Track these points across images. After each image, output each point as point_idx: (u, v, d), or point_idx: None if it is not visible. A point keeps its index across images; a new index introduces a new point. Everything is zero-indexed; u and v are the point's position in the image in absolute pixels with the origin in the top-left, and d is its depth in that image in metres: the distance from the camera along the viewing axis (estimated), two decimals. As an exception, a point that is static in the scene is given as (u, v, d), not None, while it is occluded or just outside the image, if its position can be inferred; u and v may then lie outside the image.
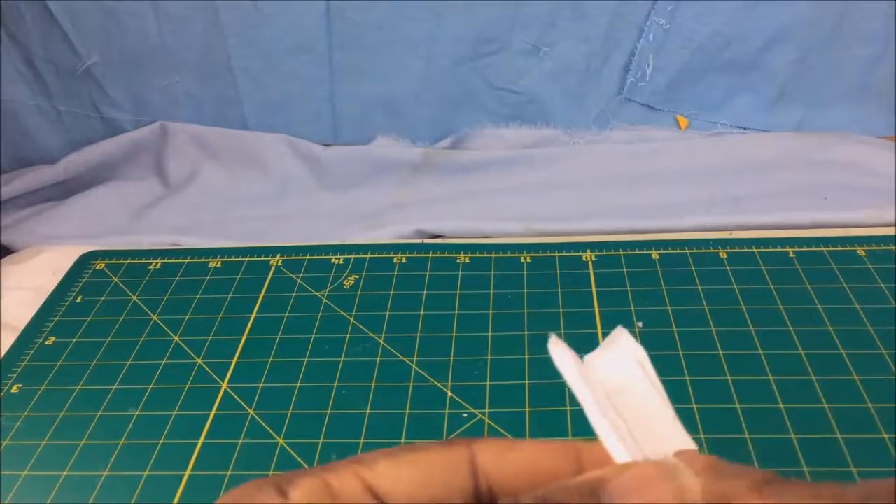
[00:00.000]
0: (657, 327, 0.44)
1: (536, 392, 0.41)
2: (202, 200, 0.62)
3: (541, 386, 0.41)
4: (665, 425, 0.17)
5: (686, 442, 0.17)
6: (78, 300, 0.51)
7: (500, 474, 0.17)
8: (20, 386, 0.44)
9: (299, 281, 0.50)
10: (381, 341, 0.45)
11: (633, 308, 0.45)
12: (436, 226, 0.55)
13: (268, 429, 0.40)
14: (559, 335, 0.46)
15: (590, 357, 0.19)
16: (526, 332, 0.45)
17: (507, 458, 0.17)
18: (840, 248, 0.49)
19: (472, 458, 0.17)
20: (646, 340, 0.43)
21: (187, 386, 0.43)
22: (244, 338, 0.46)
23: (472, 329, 0.45)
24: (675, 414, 0.17)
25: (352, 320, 0.47)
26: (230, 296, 0.50)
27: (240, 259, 0.53)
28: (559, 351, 0.17)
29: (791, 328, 0.43)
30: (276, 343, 0.46)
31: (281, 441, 0.39)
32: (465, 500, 0.17)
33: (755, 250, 0.49)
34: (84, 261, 0.54)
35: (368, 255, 0.52)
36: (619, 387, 0.18)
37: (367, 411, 0.41)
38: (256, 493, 0.16)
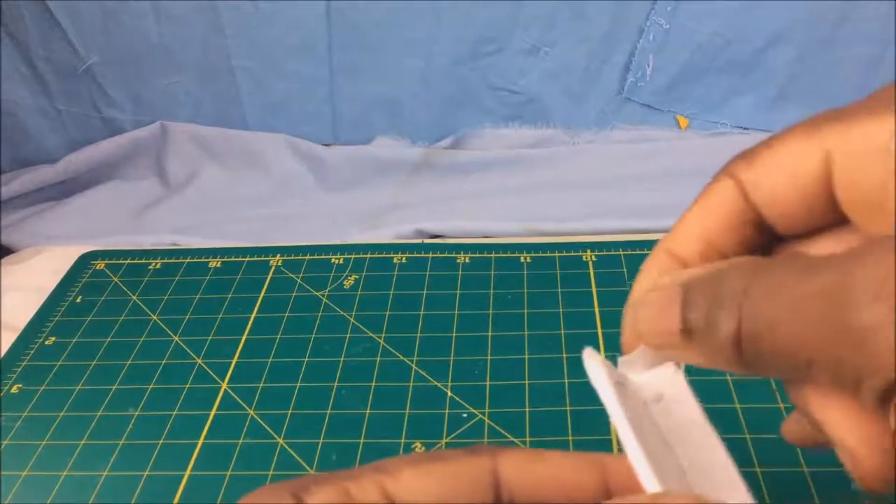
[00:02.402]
0: (657, 327, 0.44)
1: (536, 392, 0.41)
2: (202, 200, 0.62)
3: (541, 386, 0.41)
4: (702, 436, 0.17)
5: (720, 454, 0.16)
6: (78, 300, 0.51)
7: (522, 487, 0.17)
8: (20, 386, 0.44)
9: (299, 281, 0.50)
10: (381, 341, 0.45)
11: (633, 308, 0.45)
12: (436, 226, 0.55)
13: (268, 429, 0.40)
14: (559, 335, 0.46)
15: (625, 360, 0.18)
16: (526, 332, 0.45)
17: (530, 471, 0.17)
18: (840, 248, 0.49)
19: (495, 469, 0.17)
20: (646, 340, 0.43)
21: (187, 386, 0.43)
22: (244, 338, 0.46)
23: (472, 329, 0.45)
24: (707, 422, 0.17)
25: (352, 320, 0.47)
26: (230, 296, 0.50)
27: (240, 259, 0.53)
28: (594, 365, 0.17)
29: (791, 328, 0.43)
30: (276, 343, 0.46)
31: (281, 441, 0.40)
32: None
33: (755, 250, 0.49)
34: (84, 261, 0.54)
35: (368, 255, 0.52)
36: (656, 394, 0.17)
37: (367, 411, 0.41)
38: (272, 498, 0.16)
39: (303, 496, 0.16)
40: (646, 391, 0.17)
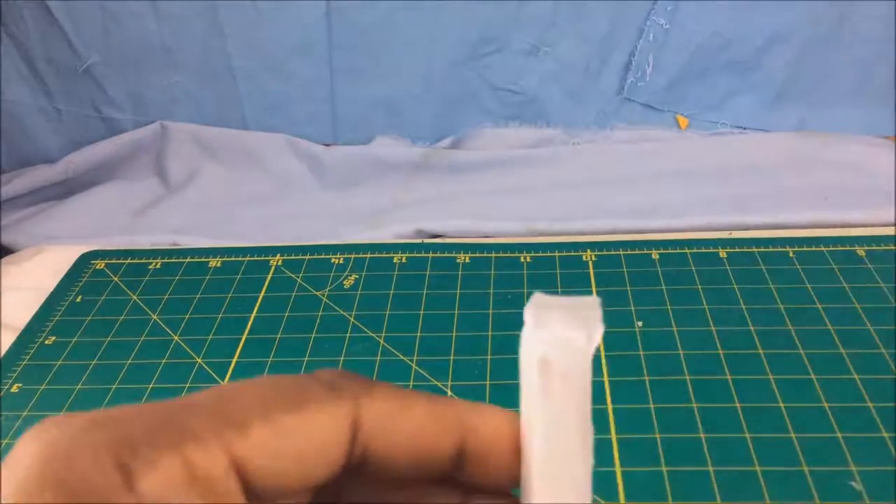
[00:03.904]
0: (657, 327, 0.44)
1: (536, 392, 0.41)
2: (202, 200, 0.62)
3: (541, 386, 0.41)
4: (577, 422, 0.15)
5: (586, 449, 0.15)
6: (78, 300, 0.51)
7: (378, 442, 0.15)
8: (20, 385, 0.44)
9: (299, 281, 0.50)
10: (381, 341, 0.45)
11: (633, 308, 0.45)
12: (436, 226, 0.55)
13: (268, 428, 0.40)
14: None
15: (542, 301, 0.16)
16: (526, 332, 0.45)
17: (391, 427, 0.16)
18: (840, 248, 0.49)
19: (357, 420, 0.15)
20: (646, 340, 0.43)
21: (187, 385, 0.43)
22: (244, 337, 0.46)
23: (472, 329, 0.45)
24: (588, 409, 0.15)
25: (352, 320, 0.47)
26: (230, 295, 0.50)
27: (240, 259, 0.53)
28: (528, 336, 0.16)
29: (791, 328, 0.43)
30: (276, 343, 0.46)
31: (281, 441, 0.39)
32: (336, 469, 0.15)
33: (755, 250, 0.49)
34: (84, 261, 0.54)
35: (368, 255, 0.52)
36: (553, 359, 0.16)
37: (367, 411, 0.41)
38: (90, 468, 0.13)
39: (133, 467, 0.13)
40: (546, 351, 0.16)
